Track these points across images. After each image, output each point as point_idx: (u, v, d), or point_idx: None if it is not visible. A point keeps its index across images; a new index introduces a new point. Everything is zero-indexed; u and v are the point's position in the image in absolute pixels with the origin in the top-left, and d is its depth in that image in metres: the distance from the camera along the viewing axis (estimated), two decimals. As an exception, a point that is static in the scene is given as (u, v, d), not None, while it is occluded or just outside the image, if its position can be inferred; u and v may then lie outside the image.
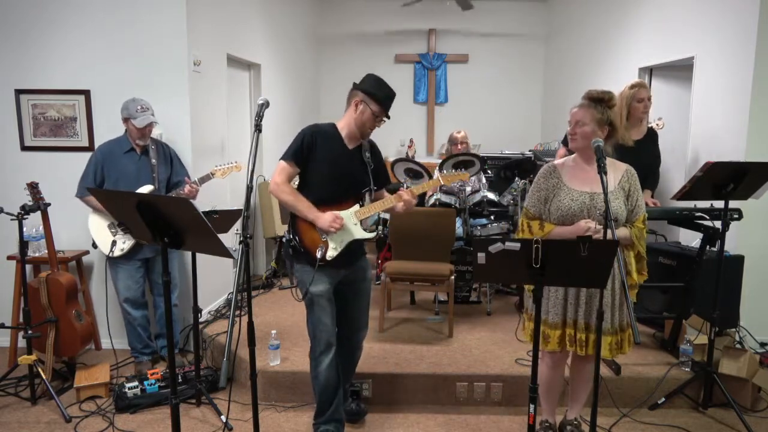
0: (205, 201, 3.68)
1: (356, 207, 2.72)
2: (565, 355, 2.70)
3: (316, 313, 2.70)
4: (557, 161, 2.67)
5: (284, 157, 2.65)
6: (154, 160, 3.55)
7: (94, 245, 3.53)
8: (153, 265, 3.66)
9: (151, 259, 3.63)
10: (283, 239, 2.79)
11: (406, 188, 2.75)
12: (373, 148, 2.84)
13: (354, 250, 2.76)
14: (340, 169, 2.68)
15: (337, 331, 2.82)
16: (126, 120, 3.49)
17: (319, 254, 2.63)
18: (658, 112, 4.22)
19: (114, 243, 3.45)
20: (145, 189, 3.48)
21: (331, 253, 2.66)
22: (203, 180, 3.56)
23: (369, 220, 2.86)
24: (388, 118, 2.73)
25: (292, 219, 2.72)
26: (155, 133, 3.68)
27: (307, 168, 2.67)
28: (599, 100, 2.49)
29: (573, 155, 2.63)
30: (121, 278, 3.56)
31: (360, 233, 2.71)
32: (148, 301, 3.76)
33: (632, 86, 3.69)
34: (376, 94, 2.65)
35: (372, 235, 2.79)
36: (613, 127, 2.51)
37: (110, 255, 3.47)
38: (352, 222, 2.69)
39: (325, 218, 2.60)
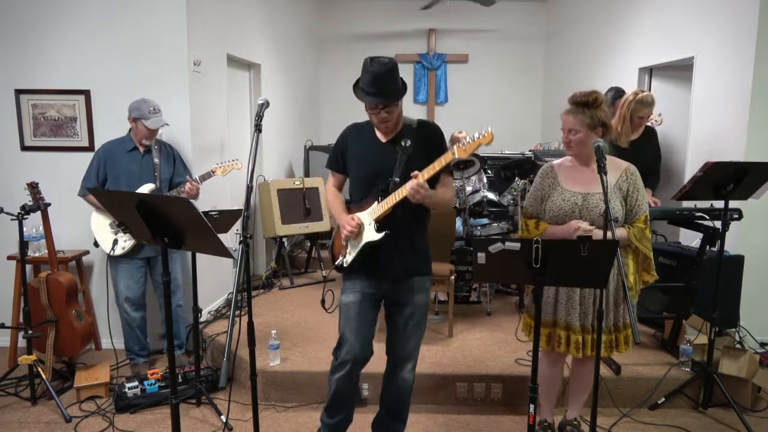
0: (205, 201, 3.68)
1: (374, 205, 2.37)
2: (563, 354, 2.70)
3: (342, 322, 2.49)
4: (556, 161, 2.66)
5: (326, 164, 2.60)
6: (156, 159, 3.54)
7: (96, 244, 3.52)
8: (155, 265, 3.62)
9: (153, 259, 3.60)
10: None
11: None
12: (421, 131, 2.43)
13: (381, 256, 2.38)
14: (367, 166, 2.43)
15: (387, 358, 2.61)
16: (135, 120, 3.45)
17: (339, 260, 2.48)
18: (657, 111, 4.21)
19: (115, 242, 3.43)
20: (146, 188, 3.47)
21: (347, 258, 2.44)
22: (204, 178, 3.54)
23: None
24: (384, 103, 2.32)
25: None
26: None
27: (347, 171, 2.53)
28: (585, 104, 2.45)
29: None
30: (122, 278, 3.54)
31: (370, 235, 2.34)
32: (149, 303, 3.74)
33: (638, 100, 3.64)
34: (357, 87, 2.39)
35: (380, 236, 2.32)
36: (606, 126, 2.47)
37: (111, 253, 3.45)
38: (366, 222, 2.38)
39: (341, 220, 2.42)
